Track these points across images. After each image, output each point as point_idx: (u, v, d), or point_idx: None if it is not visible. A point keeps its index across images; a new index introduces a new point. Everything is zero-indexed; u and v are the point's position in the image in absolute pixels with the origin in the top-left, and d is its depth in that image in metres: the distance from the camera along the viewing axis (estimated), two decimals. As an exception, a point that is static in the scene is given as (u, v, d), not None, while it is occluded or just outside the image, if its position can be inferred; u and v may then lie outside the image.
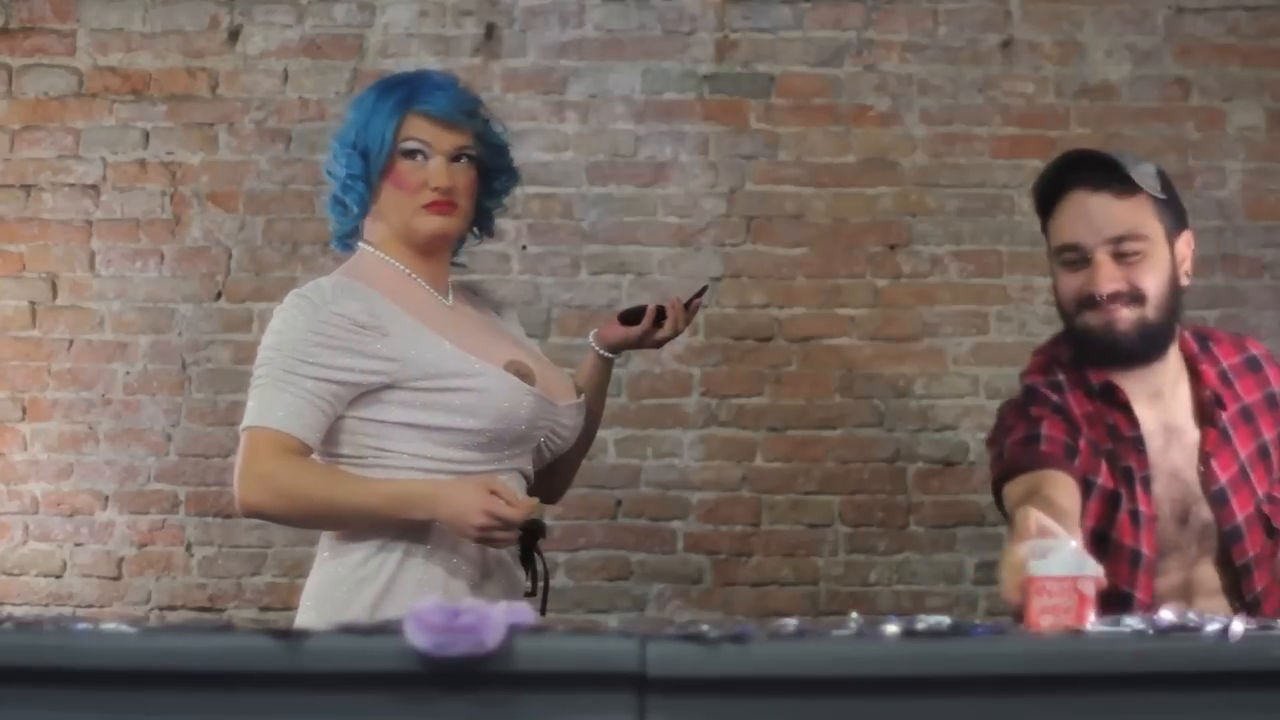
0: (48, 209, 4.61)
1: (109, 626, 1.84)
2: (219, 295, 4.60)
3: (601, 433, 4.55)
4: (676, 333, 2.71)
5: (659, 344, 2.73)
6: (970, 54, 4.65)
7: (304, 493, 2.40)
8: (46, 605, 4.49)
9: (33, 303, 4.59)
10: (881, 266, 4.61)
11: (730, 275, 4.61)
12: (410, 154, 2.55)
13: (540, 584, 2.58)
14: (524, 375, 2.52)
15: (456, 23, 4.64)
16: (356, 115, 2.59)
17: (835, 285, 4.61)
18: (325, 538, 2.55)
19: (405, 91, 2.56)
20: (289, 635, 1.77)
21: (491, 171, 2.68)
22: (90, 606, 4.50)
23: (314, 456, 2.49)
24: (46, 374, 4.57)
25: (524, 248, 4.60)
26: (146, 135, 4.63)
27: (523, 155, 4.59)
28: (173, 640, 1.81)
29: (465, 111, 2.59)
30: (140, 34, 4.64)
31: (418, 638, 1.73)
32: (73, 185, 4.62)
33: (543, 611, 2.58)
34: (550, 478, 2.75)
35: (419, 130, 2.55)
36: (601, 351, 2.78)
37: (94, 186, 4.62)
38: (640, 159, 4.63)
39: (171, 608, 4.52)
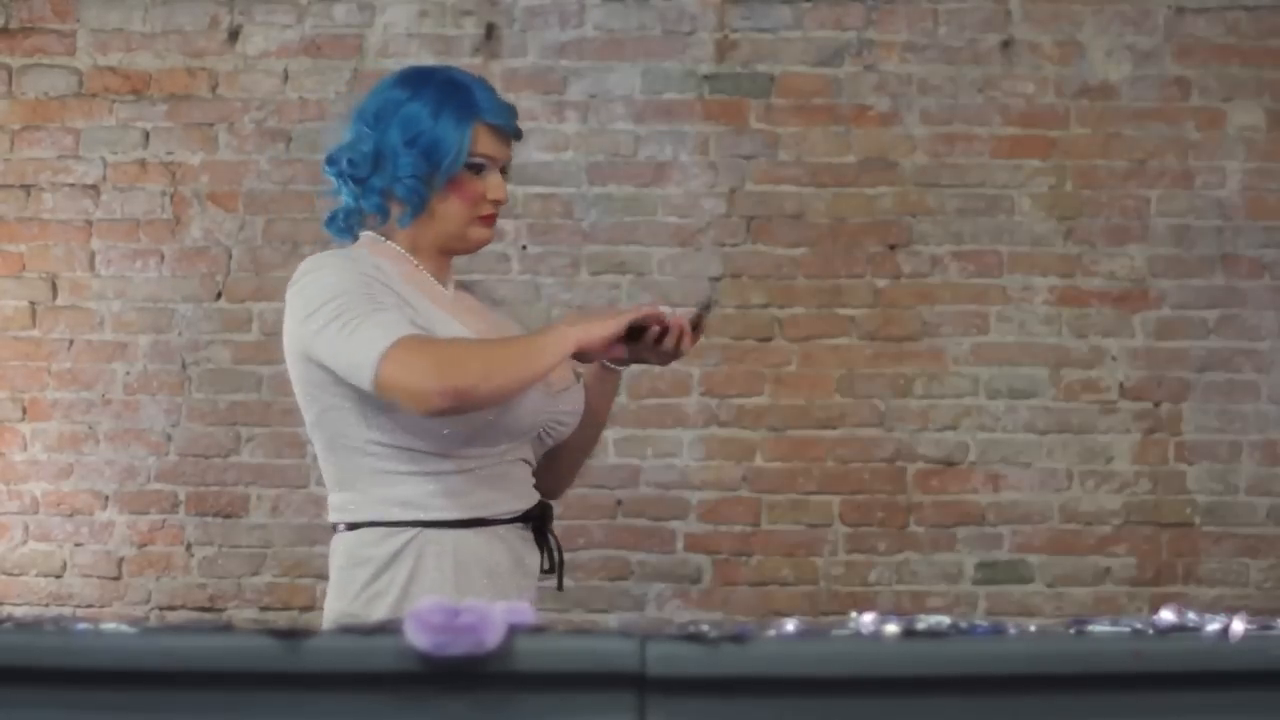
0: (48, 209, 4.61)
1: (109, 626, 1.84)
2: (219, 295, 4.60)
3: (602, 432, 4.57)
4: (681, 353, 2.68)
5: (663, 361, 2.69)
6: (970, 54, 4.65)
7: (478, 354, 2.39)
8: (46, 605, 4.49)
9: (33, 303, 4.59)
10: (881, 266, 4.61)
11: (730, 275, 4.61)
12: (475, 167, 2.54)
13: (556, 560, 2.60)
14: None
15: (456, 23, 4.64)
16: (417, 114, 2.52)
17: (835, 285, 4.61)
18: (337, 548, 2.55)
19: (468, 100, 2.53)
20: (289, 635, 1.77)
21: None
22: (90, 606, 4.50)
23: (329, 443, 2.51)
24: (46, 374, 4.57)
25: (524, 248, 4.60)
26: (146, 135, 4.63)
27: (523, 155, 4.62)
28: (173, 640, 1.81)
29: (517, 125, 2.62)
30: (140, 34, 4.64)
31: (417, 637, 1.73)
32: (73, 185, 4.62)
33: (559, 587, 2.61)
34: (552, 472, 2.75)
35: (486, 144, 2.55)
36: (605, 363, 2.78)
37: (94, 186, 4.62)
38: (640, 159, 4.63)
39: (171, 608, 4.52)
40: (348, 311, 2.38)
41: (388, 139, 2.53)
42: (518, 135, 2.62)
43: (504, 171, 2.61)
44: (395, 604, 2.42)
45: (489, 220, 2.58)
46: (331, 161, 2.58)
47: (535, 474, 2.66)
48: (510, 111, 2.59)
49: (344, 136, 2.58)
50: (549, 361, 2.40)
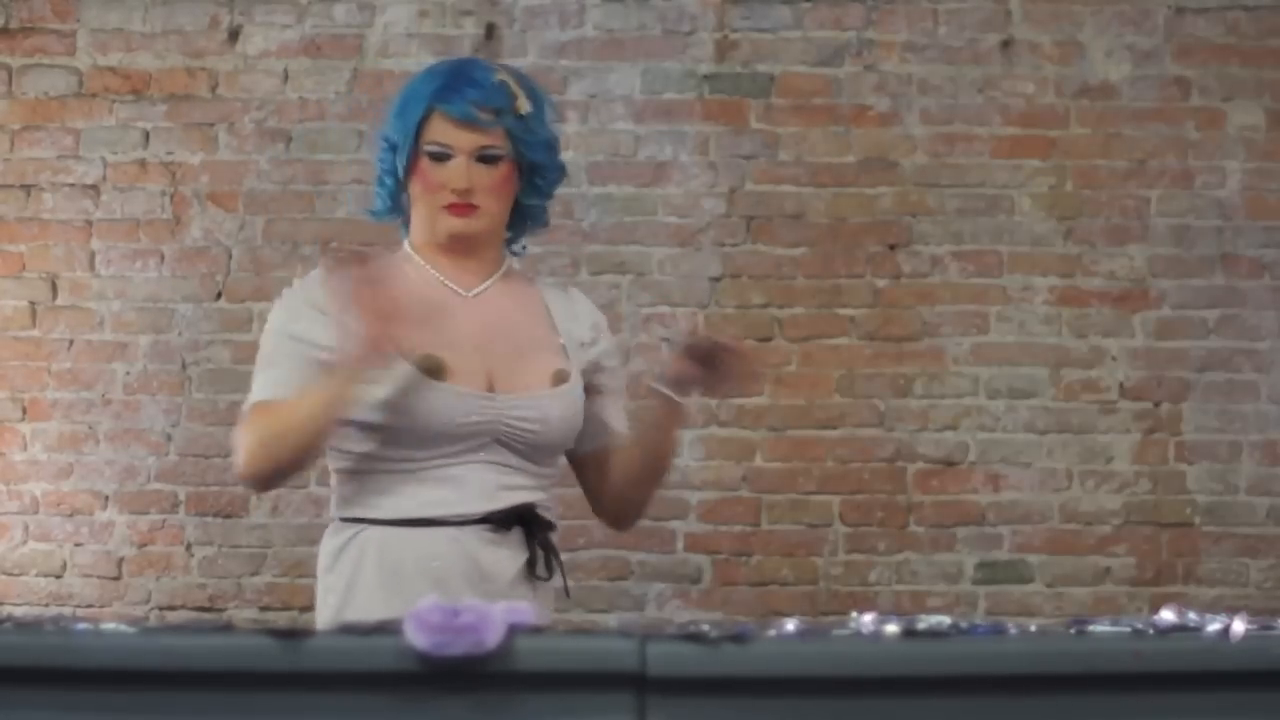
0: (48, 209, 4.61)
1: (109, 626, 1.84)
2: (219, 295, 4.60)
3: (601, 433, 4.58)
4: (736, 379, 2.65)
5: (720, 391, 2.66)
6: (970, 54, 4.65)
7: (272, 430, 2.42)
8: (46, 605, 4.49)
9: (33, 303, 4.59)
10: (881, 266, 4.61)
11: (730, 275, 4.61)
12: (434, 155, 2.53)
13: (551, 565, 2.56)
14: (431, 370, 2.45)
15: (456, 23, 4.64)
16: (394, 106, 2.61)
17: (835, 285, 4.61)
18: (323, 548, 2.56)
19: (434, 87, 2.56)
20: (289, 635, 1.77)
21: (532, 167, 2.60)
22: (90, 606, 4.50)
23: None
24: (46, 374, 4.57)
25: (524, 248, 4.59)
26: (146, 135, 4.63)
27: (523, 155, 4.62)
28: (173, 640, 1.81)
29: (493, 109, 2.53)
30: (140, 34, 4.64)
31: (417, 638, 1.73)
32: (73, 185, 4.62)
33: (566, 593, 2.58)
34: (610, 500, 2.76)
35: (440, 131, 2.53)
36: (663, 389, 2.75)
37: (94, 186, 4.62)
38: (640, 159, 4.63)
39: (171, 608, 4.52)
40: (260, 358, 2.51)
41: (380, 135, 2.63)
42: (498, 118, 2.52)
43: (489, 159, 2.53)
44: (339, 601, 2.47)
45: (458, 210, 2.53)
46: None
47: (593, 496, 2.72)
48: (483, 96, 2.53)
49: None
50: (323, 426, 2.41)
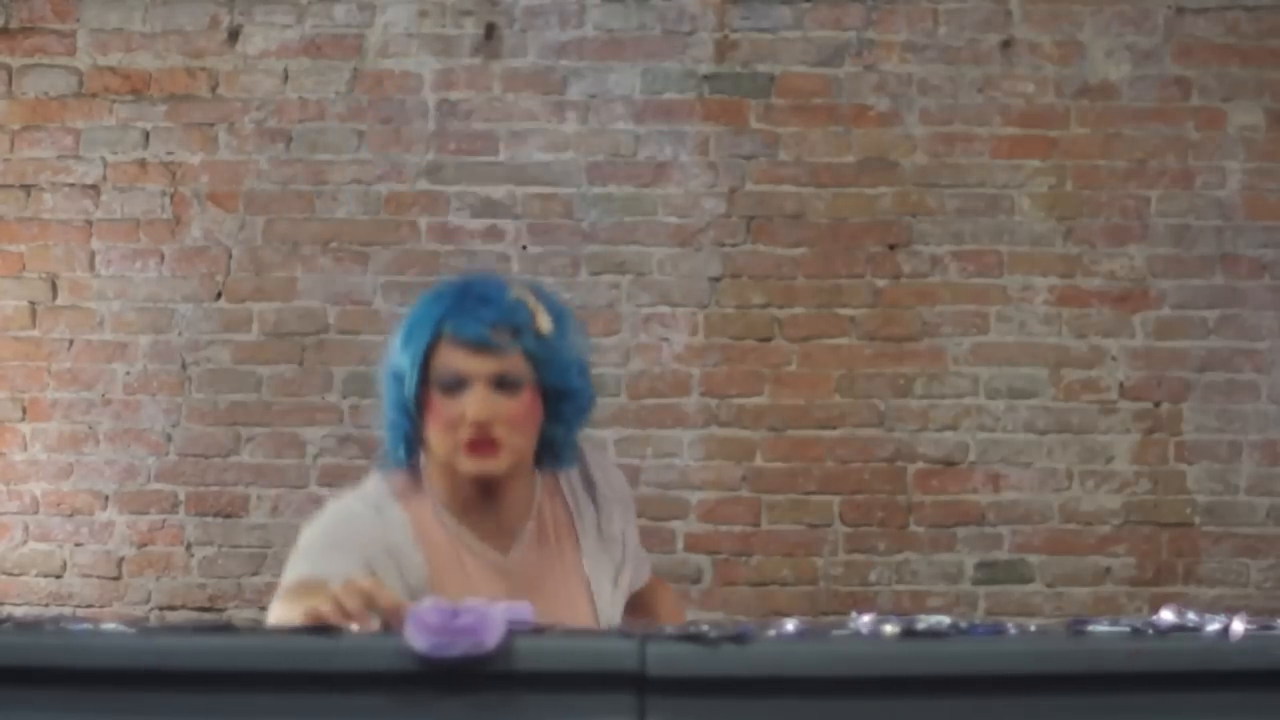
0: (48, 209, 4.61)
1: (109, 626, 1.84)
2: (219, 295, 4.60)
3: (602, 432, 4.59)
4: None
5: None
6: (970, 54, 4.65)
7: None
8: (46, 605, 4.49)
9: (33, 303, 4.59)
10: (881, 266, 4.61)
11: (730, 275, 4.61)
12: (446, 386, 2.24)
13: None
14: None
15: (456, 23, 4.64)
16: (400, 333, 2.29)
17: (835, 285, 4.61)
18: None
19: (442, 309, 2.25)
20: (289, 635, 1.77)
21: (558, 394, 2.31)
22: (90, 606, 4.50)
23: None
24: (46, 374, 4.57)
25: (524, 248, 4.60)
26: (146, 135, 4.63)
27: (523, 155, 4.62)
28: (173, 640, 1.81)
29: (510, 329, 2.24)
30: (140, 34, 4.64)
31: (416, 639, 1.73)
32: (73, 185, 4.62)
33: None
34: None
35: (451, 358, 2.23)
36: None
37: (94, 186, 4.62)
38: (640, 159, 4.63)
39: (171, 608, 4.52)
40: (284, 582, 2.24)
41: (385, 370, 2.32)
42: (515, 339, 2.24)
43: (509, 386, 2.25)
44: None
45: (478, 448, 2.24)
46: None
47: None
48: (497, 314, 2.24)
49: None
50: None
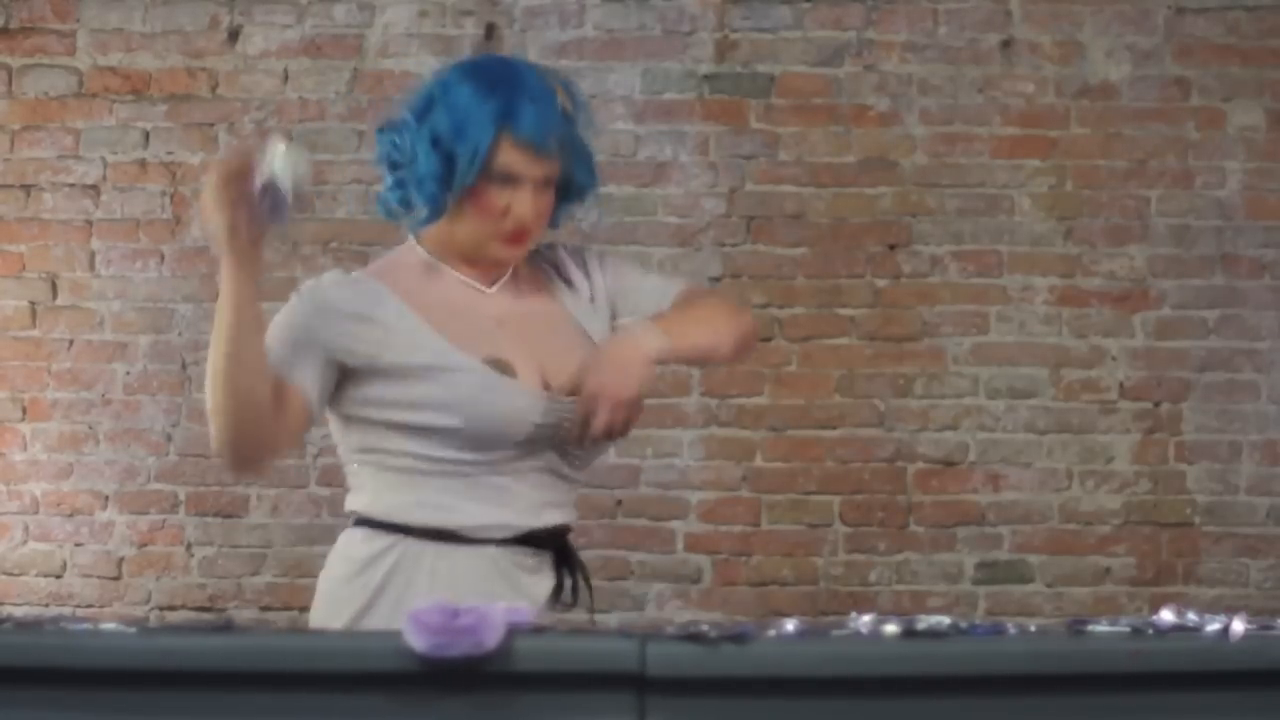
0: (48, 209, 4.61)
1: (109, 626, 1.84)
2: (219, 295, 4.59)
3: (601, 433, 4.57)
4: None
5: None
6: (970, 54, 4.65)
7: (209, 368, 2.39)
8: (46, 605, 4.49)
9: (33, 303, 4.59)
10: (881, 266, 4.61)
11: (730, 275, 4.61)
12: (502, 179, 2.35)
13: (582, 583, 2.47)
14: (503, 368, 2.36)
15: (456, 23, 4.64)
16: (445, 109, 2.35)
17: (835, 285, 4.61)
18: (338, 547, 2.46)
19: (503, 104, 2.33)
20: (289, 635, 1.77)
21: (579, 190, 2.53)
22: (90, 606, 4.50)
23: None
24: (46, 374, 4.57)
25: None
26: (146, 135, 4.63)
27: (523, 155, 4.62)
28: (173, 640, 1.81)
29: (559, 136, 2.39)
30: (140, 34, 4.64)
31: (416, 639, 1.73)
32: (73, 185, 4.62)
33: (592, 620, 2.52)
34: None
35: (513, 159, 2.34)
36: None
37: (94, 186, 4.62)
38: (640, 159, 4.63)
39: (171, 608, 4.52)
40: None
41: (420, 132, 2.37)
42: (548, 151, 2.37)
43: (548, 185, 2.41)
44: (357, 614, 2.31)
45: (514, 239, 2.39)
46: (378, 141, 2.43)
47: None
48: (551, 120, 2.37)
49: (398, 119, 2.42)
50: (236, 333, 2.35)
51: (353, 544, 2.43)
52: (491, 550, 2.37)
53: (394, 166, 2.41)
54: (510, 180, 2.35)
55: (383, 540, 2.38)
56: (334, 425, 2.53)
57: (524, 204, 2.37)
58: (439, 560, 2.36)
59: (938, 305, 4.60)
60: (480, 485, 2.37)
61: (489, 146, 2.33)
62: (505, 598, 2.23)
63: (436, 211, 2.39)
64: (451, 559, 2.36)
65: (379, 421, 2.42)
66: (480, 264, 2.43)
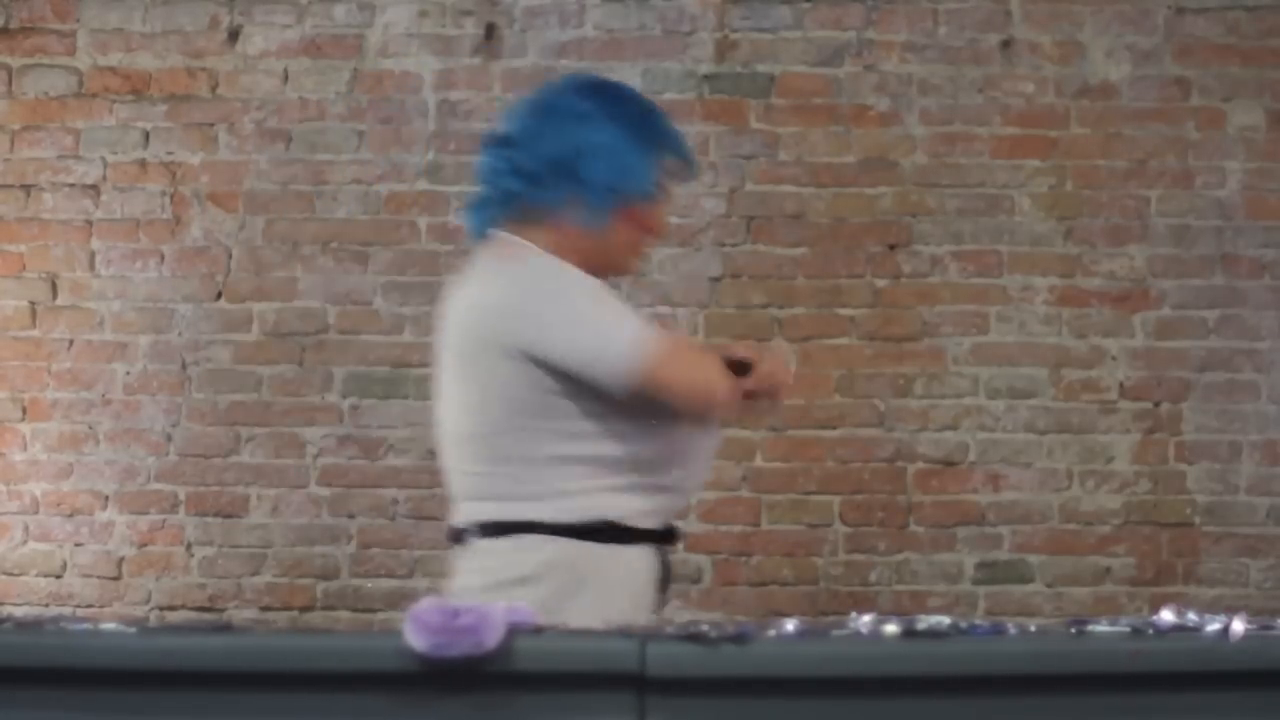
0: (48, 209, 4.61)
1: (109, 626, 1.84)
2: (219, 295, 4.60)
3: (601, 433, 4.58)
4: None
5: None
6: (970, 54, 4.65)
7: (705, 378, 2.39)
8: (46, 605, 4.49)
9: (33, 303, 4.59)
10: (881, 266, 4.61)
11: (730, 275, 4.61)
12: (656, 199, 2.51)
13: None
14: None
15: (456, 23, 4.64)
16: (612, 132, 2.47)
17: (835, 285, 4.61)
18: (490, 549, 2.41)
19: (660, 129, 2.53)
20: (289, 635, 1.77)
21: None
22: (90, 606, 4.50)
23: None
24: (46, 374, 4.57)
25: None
26: (146, 135, 4.63)
27: (523, 155, 4.62)
28: (173, 640, 1.81)
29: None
30: (140, 34, 4.64)
31: (416, 639, 1.73)
32: (73, 185, 4.62)
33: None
34: None
35: (669, 178, 2.53)
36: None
37: (94, 186, 4.62)
38: (640, 159, 4.62)
39: (171, 608, 4.52)
40: (604, 310, 2.39)
41: (574, 146, 2.44)
42: (695, 174, 2.63)
43: None
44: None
45: (644, 251, 2.57)
46: (505, 144, 2.48)
47: None
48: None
49: (512, 127, 2.49)
50: (716, 401, 2.44)
51: (528, 549, 2.37)
52: (650, 546, 2.46)
53: (528, 175, 2.45)
54: (663, 198, 2.52)
55: (565, 545, 2.37)
56: (527, 424, 2.38)
57: (663, 221, 2.56)
58: (635, 562, 2.43)
59: (938, 305, 4.60)
60: (665, 482, 2.45)
61: (658, 166, 2.49)
62: (648, 591, 2.41)
63: (600, 223, 2.44)
64: (641, 559, 2.44)
65: (600, 419, 2.39)
66: (602, 273, 2.49)
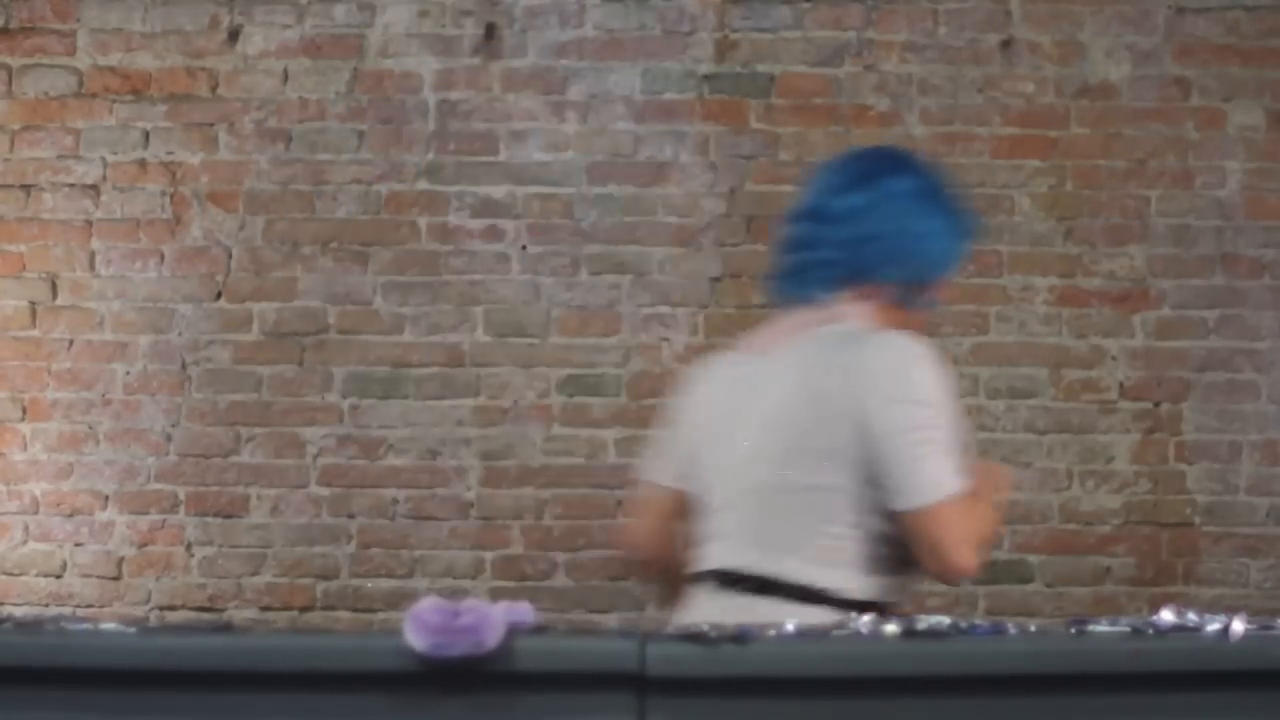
0: (48, 209, 4.61)
1: (109, 626, 1.84)
2: (219, 295, 4.60)
3: (601, 433, 4.59)
4: None
5: None
6: (970, 54, 4.65)
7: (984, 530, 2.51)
8: (46, 605, 4.49)
9: (33, 303, 4.59)
10: (881, 266, 4.60)
11: (730, 275, 4.61)
12: (949, 278, 2.65)
13: None
14: None
15: (456, 23, 4.64)
16: (946, 216, 2.60)
17: (835, 285, 4.60)
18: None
19: (967, 218, 2.64)
20: (289, 635, 1.77)
21: None
22: (90, 606, 4.50)
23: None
24: (46, 374, 4.57)
25: (524, 248, 4.60)
26: (146, 135, 4.63)
27: (523, 155, 4.62)
28: (173, 640, 1.81)
29: None
30: (140, 34, 4.64)
31: (416, 639, 1.73)
32: (73, 185, 4.62)
33: None
34: None
35: (963, 262, 2.67)
36: None
37: (94, 186, 4.62)
38: (640, 159, 4.63)
39: (171, 608, 4.52)
40: (940, 436, 2.39)
41: (902, 228, 2.54)
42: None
43: None
44: None
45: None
46: (826, 219, 2.57)
47: None
48: None
49: (832, 202, 2.57)
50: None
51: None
52: None
53: (850, 247, 2.55)
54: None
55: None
56: (849, 500, 2.40)
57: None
58: None
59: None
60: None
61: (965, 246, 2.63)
62: None
63: (920, 297, 2.57)
64: None
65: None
66: None
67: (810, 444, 2.39)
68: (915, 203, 2.56)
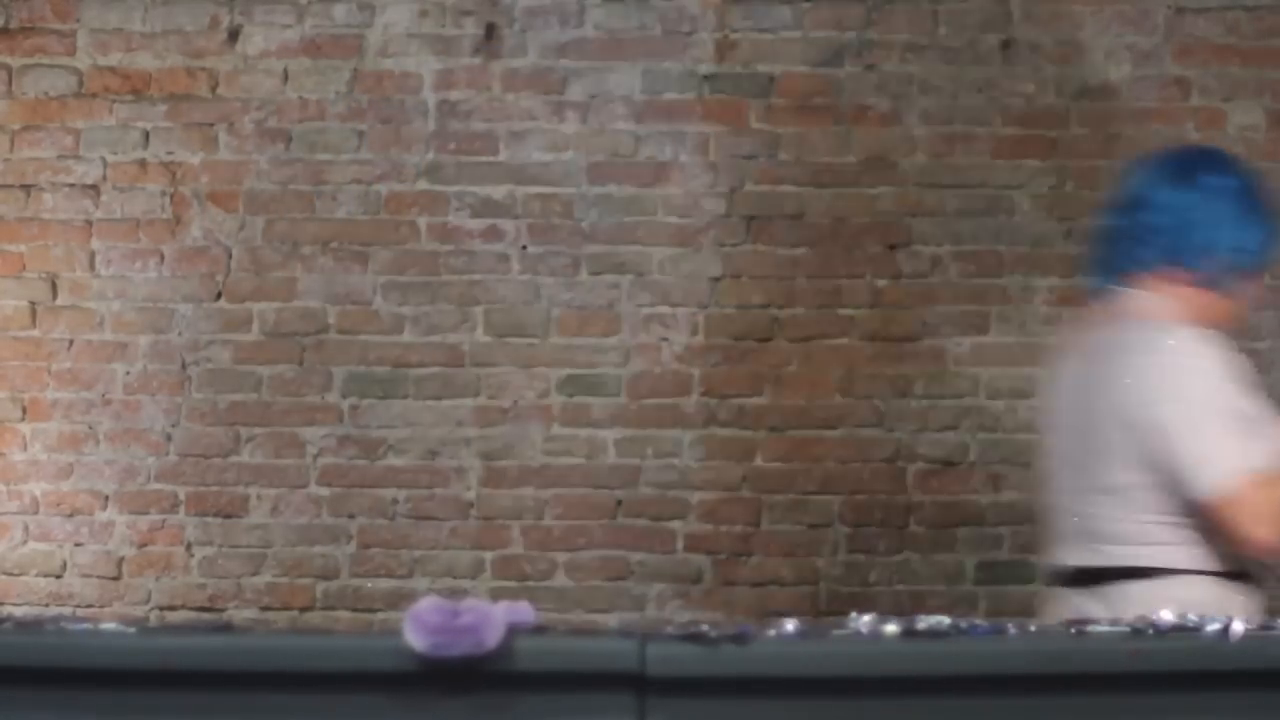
0: (48, 209, 4.61)
1: (109, 626, 1.84)
2: (219, 295, 4.60)
3: (601, 433, 4.59)
4: None
5: None
6: (970, 54, 4.65)
7: None
8: (46, 605, 4.48)
9: (33, 303, 4.59)
10: (881, 266, 4.60)
11: (730, 275, 4.61)
12: (1258, 274, 2.74)
13: None
14: None
15: (456, 23, 4.64)
16: (1254, 197, 2.74)
17: (835, 285, 4.61)
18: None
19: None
20: (289, 635, 1.77)
21: None
22: (90, 606, 4.50)
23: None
24: (46, 374, 4.57)
25: (524, 248, 4.60)
26: (146, 135, 4.63)
27: (523, 155, 4.62)
28: (173, 640, 1.82)
29: None
30: (140, 34, 4.64)
31: (416, 639, 1.73)
32: (73, 185, 4.62)
33: None
34: None
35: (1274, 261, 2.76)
36: None
37: (94, 186, 4.62)
38: (640, 159, 4.62)
39: (171, 608, 4.52)
40: (1207, 425, 2.54)
41: (1223, 225, 2.68)
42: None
43: None
44: None
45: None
46: (1147, 209, 2.70)
47: None
48: None
49: (1155, 194, 2.71)
50: None
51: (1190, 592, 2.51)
52: None
53: (1163, 237, 2.70)
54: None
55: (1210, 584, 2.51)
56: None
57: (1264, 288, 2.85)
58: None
59: (938, 305, 4.60)
60: None
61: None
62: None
63: (1227, 285, 2.69)
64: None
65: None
66: (1217, 329, 2.71)
67: (1106, 445, 2.59)
68: (1234, 200, 2.71)
